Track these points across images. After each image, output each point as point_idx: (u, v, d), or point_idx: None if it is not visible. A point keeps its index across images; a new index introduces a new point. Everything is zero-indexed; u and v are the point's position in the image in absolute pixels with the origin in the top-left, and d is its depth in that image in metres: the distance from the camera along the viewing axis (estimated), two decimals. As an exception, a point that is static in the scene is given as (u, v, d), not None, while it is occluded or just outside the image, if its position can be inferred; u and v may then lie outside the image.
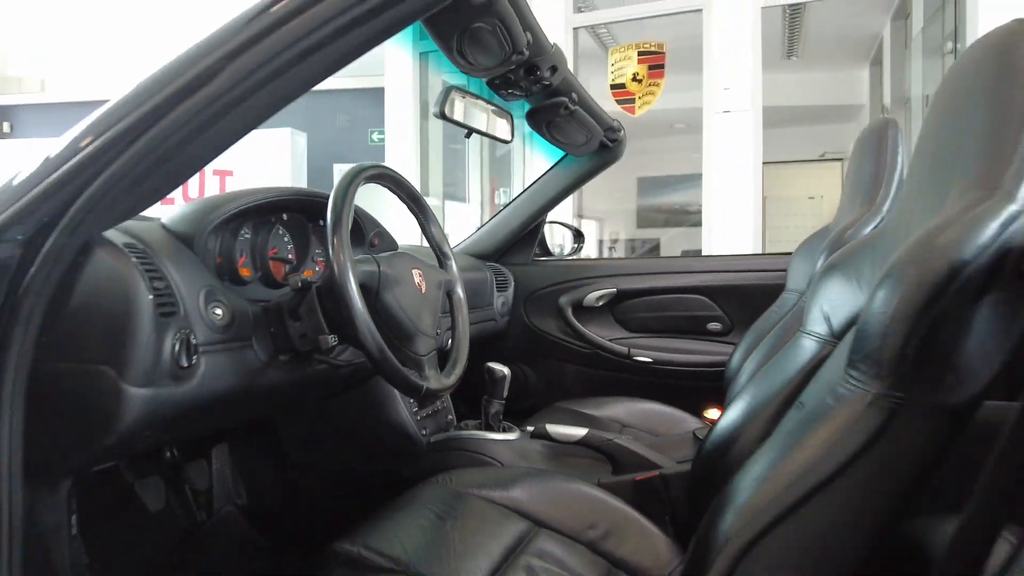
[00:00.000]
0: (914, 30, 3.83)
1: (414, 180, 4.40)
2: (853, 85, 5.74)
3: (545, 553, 0.96)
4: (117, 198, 0.71)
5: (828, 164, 6.79)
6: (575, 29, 3.41)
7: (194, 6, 5.84)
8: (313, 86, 0.72)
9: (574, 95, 1.36)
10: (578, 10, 3.64)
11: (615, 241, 8.28)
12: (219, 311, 0.84)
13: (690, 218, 7.13)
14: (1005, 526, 0.51)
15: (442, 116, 1.17)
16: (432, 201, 5.09)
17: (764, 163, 7.48)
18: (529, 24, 0.99)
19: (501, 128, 1.33)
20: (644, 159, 6.85)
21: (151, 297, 0.74)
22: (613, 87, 3.32)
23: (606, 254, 7.85)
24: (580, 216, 7.41)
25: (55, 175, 0.69)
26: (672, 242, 7.23)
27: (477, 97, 1.25)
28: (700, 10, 3.14)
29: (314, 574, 0.86)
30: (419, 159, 4.59)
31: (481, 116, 1.26)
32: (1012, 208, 0.56)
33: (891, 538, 0.60)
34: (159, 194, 0.75)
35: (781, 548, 0.60)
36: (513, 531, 0.98)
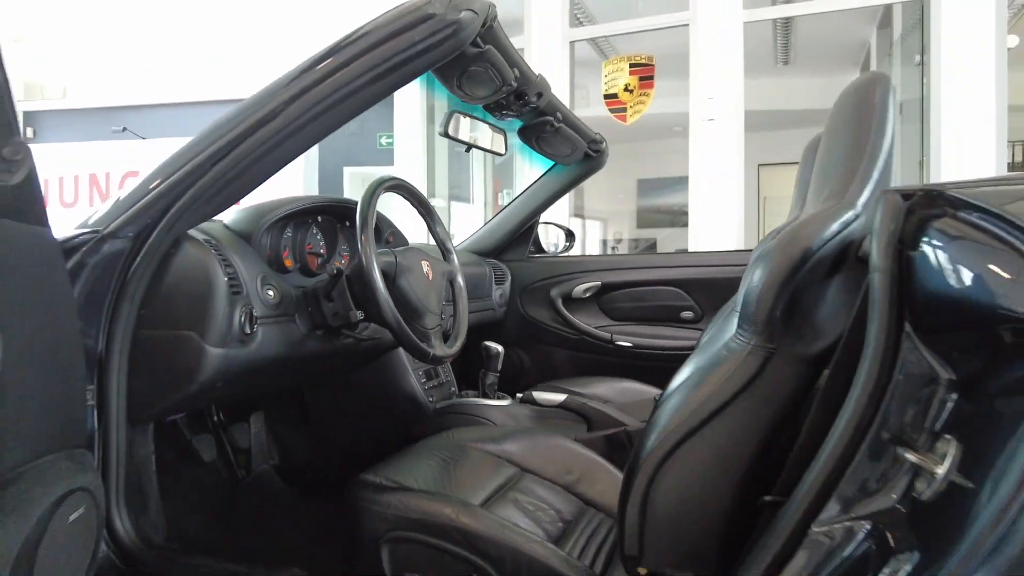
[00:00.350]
0: (894, 39, 4.04)
1: (421, 182, 4.63)
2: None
3: (529, 491, 1.19)
4: (200, 206, 0.94)
5: (820, 166, 6.97)
6: (571, 43, 3.65)
7: (208, 16, 6.08)
8: (347, 122, 0.95)
9: (558, 114, 1.59)
10: (577, 23, 3.87)
11: (619, 241, 8.49)
12: (271, 292, 1.07)
13: (688, 219, 7.33)
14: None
15: (446, 135, 1.40)
16: (439, 202, 5.32)
17: (761, 165, 7.70)
18: (515, 62, 1.21)
19: (497, 143, 1.57)
20: (644, 162, 7.06)
21: (225, 279, 0.97)
22: (606, 97, 3.56)
23: (609, 252, 8.06)
24: (583, 217, 7.65)
25: (156, 191, 0.93)
26: (667, 241, 7.43)
27: (475, 118, 1.48)
28: (687, 24, 3.37)
29: (344, 498, 1.09)
30: (426, 162, 4.81)
31: (479, 134, 1.49)
32: (851, 213, 0.78)
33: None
34: (230, 203, 0.99)
35: (687, 460, 0.82)
36: (504, 474, 1.21)
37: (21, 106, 7.55)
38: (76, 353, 0.80)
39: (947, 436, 0.57)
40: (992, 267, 0.54)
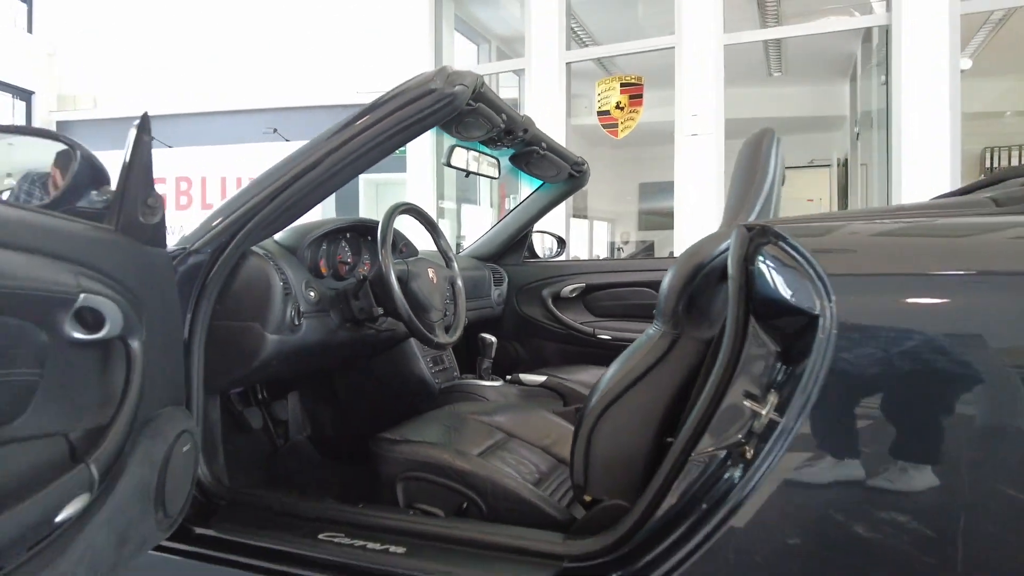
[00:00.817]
0: (874, 52, 4.31)
1: (432, 186, 4.94)
2: (835, 98, 6.20)
3: (514, 450, 1.50)
4: (261, 230, 1.27)
5: (817, 170, 7.24)
6: (568, 63, 3.96)
7: (228, 32, 6.43)
8: (371, 167, 1.27)
9: (543, 144, 1.90)
10: (581, 43, 4.17)
11: (625, 243, 8.77)
12: (312, 293, 1.40)
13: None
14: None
15: (448, 165, 1.72)
16: (448, 204, 5.64)
17: (758, 169, 7.94)
18: (502, 110, 1.52)
19: (491, 170, 1.89)
20: (645, 166, 7.35)
21: (280, 283, 1.30)
22: (599, 113, 3.86)
23: (615, 252, 8.34)
24: (592, 219, 7.95)
25: (230, 219, 1.25)
26: (666, 243, 7.71)
27: (472, 149, 1.80)
28: (672, 47, 3.67)
29: (367, 455, 1.41)
30: (435, 167, 5.12)
31: (475, 162, 1.81)
32: (684, 230, 1.09)
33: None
34: (282, 227, 1.31)
35: (617, 415, 1.13)
36: (494, 437, 1.52)
37: (54, 116, 7.96)
38: (179, 338, 1.12)
39: (772, 389, 0.88)
40: (790, 277, 0.86)
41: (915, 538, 0.73)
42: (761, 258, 0.92)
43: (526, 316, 2.44)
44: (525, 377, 1.78)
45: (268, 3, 7.17)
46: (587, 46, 4.88)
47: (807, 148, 7.17)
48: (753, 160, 1.20)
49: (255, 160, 6.89)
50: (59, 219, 0.82)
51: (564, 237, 2.75)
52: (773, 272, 0.90)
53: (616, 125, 3.85)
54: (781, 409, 0.86)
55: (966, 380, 0.71)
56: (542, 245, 2.72)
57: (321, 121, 6.15)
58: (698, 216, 3.49)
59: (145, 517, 0.93)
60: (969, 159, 6.84)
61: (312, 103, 7.19)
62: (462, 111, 1.34)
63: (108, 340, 0.81)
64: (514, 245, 2.47)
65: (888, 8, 3.27)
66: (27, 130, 1.12)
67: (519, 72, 4.11)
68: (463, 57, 5.02)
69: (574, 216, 6.73)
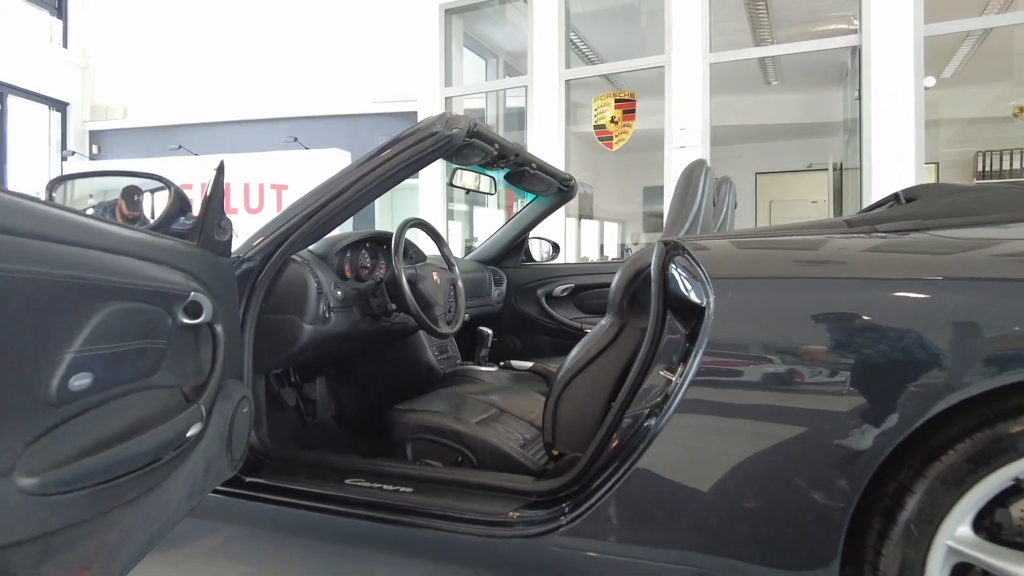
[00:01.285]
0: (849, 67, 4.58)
1: (441, 192, 5.26)
2: (829, 105, 6.45)
3: (504, 422, 1.82)
4: (300, 243, 1.60)
5: (816, 173, 7.48)
6: (566, 81, 4.27)
7: (251, 44, 6.80)
8: (387, 191, 1.60)
9: (533, 164, 2.21)
10: (587, 61, 4.47)
11: (635, 244, 9.06)
12: (339, 292, 1.73)
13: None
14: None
15: (451, 185, 2.05)
16: (460, 206, 5.97)
17: (758, 173, 8.18)
18: (494, 140, 1.84)
19: (488, 187, 2.21)
20: (649, 171, 7.64)
21: (315, 284, 1.63)
22: (596, 127, 4.18)
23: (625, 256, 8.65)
24: (603, 220, 8.25)
25: (275, 234, 1.58)
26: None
27: (472, 170, 2.12)
28: (662, 67, 3.96)
29: (380, 429, 1.74)
30: (444, 174, 5.43)
31: (475, 181, 2.14)
32: (664, 245, 1.41)
33: None
34: (316, 240, 1.64)
35: (578, 386, 1.44)
36: (488, 412, 1.83)
37: (88, 126, 8.40)
38: (238, 327, 1.46)
39: (681, 363, 1.20)
40: (689, 279, 1.17)
41: (764, 458, 1.05)
42: (673, 265, 1.24)
43: (523, 313, 2.76)
44: (516, 363, 2.10)
45: (290, 20, 7.55)
46: (591, 60, 5.19)
47: (805, 152, 7.42)
48: (686, 186, 1.52)
49: (277, 167, 7.26)
50: (167, 239, 1.16)
51: (558, 243, 3.07)
52: (680, 276, 1.22)
53: (611, 138, 4.16)
54: (676, 374, 1.18)
55: (790, 348, 1.03)
56: (540, 249, 3.04)
57: (339, 130, 6.58)
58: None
59: (221, 455, 1.27)
60: (963, 163, 7.06)
61: (330, 113, 7.56)
62: (460, 145, 1.67)
63: (203, 325, 1.15)
64: (512, 250, 2.80)
65: (859, 30, 3.56)
66: (142, 174, 1.44)
67: (524, 87, 4.45)
68: (472, 71, 5.34)
69: (588, 218, 7.04)
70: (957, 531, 0.95)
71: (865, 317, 0.99)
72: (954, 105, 6.65)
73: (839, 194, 6.74)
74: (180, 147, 7.71)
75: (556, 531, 1.20)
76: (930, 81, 3.55)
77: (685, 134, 3.84)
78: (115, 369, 0.94)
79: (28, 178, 7.92)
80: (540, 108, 4.31)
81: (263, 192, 7.33)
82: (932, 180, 6.91)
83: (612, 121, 4.11)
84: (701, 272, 1.13)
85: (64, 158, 8.08)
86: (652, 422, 1.18)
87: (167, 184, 1.35)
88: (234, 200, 7.43)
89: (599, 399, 1.43)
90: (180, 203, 1.34)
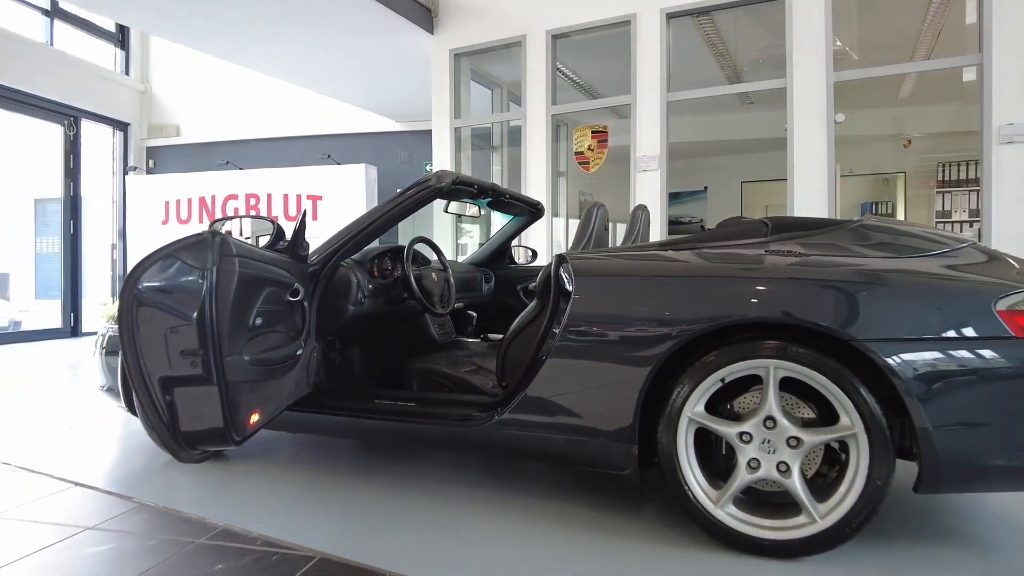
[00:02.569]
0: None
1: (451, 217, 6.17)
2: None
3: (479, 371, 2.72)
4: (346, 254, 2.52)
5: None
6: (552, 116, 5.15)
7: (295, 74, 7.75)
8: (402, 220, 2.50)
9: (507, 195, 3.11)
10: (581, 90, 5.35)
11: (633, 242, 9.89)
12: (370, 286, 2.64)
13: (682, 228, 8.73)
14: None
15: (447, 211, 2.96)
16: (470, 209, 6.85)
17: (744, 181, 8.95)
18: (475, 183, 2.73)
19: (475, 212, 3.12)
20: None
21: (355, 280, 2.55)
22: (576, 153, 5.05)
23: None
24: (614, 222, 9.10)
25: (330, 249, 2.50)
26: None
27: (465, 202, 3.03)
28: (628, 104, 4.82)
29: (396, 382, 2.65)
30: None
31: (464, 208, 3.04)
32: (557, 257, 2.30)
33: None
34: (357, 252, 2.56)
35: (516, 344, 2.32)
36: (470, 365, 2.74)
37: (146, 143, 9.49)
38: (314, 305, 2.39)
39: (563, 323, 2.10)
40: (566, 277, 2.07)
41: (596, 375, 1.93)
42: (561, 269, 2.13)
43: (506, 303, 3.66)
44: (492, 336, 3.00)
45: (325, 51, 8.54)
46: (583, 87, 6.05)
47: (776, 165, 8.20)
48: (587, 218, 2.41)
49: (313, 180, 8.25)
50: (277, 253, 2.09)
51: (537, 250, 3.96)
52: (563, 275, 2.11)
53: (588, 162, 5.03)
54: (559, 334, 2.07)
55: (613, 316, 1.91)
56: (525, 254, 3.94)
57: (366, 147, 7.70)
58: (652, 227, 4.68)
59: (304, 376, 2.20)
60: (926, 173, 7.77)
61: (359, 131, 8.54)
62: (449, 190, 2.58)
63: (298, 302, 2.08)
64: (499, 255, 3.70)
65: (785, 75, 4.38)
66: (263, 218, 2.42)
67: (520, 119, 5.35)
68: (479, 98, 6.24)
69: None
70: (694, 409, 1.82)
71: (646, 296, 1.87)
72: (916, 122, 7.37)
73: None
74: (228, 162, 8.75)
75: (492, 422, 2.10)
76: (840, 117, 4.35)
77: (646, 159, 4.69)
78: (268, 318, 1.90)
79: (99, 188, 9.02)
80: (533, 136, 5.20)
81: (300, 201, 8.33)
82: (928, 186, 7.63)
83: (589, 148, 4.98)
84: (571, 273, 2.02)
85: (127, 172, 9.16)
86: (543, 360, 2.06)
87: (272, 222, 2.27)
88: (275, 208, 8.45)
89: (528, 349, 2.32)
90: (279, 233, 2.26)
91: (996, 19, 3.91)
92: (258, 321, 1.97)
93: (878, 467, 1.65)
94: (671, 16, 4.72)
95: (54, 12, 8.10)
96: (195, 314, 1.88)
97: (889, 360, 1.61)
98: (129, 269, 2.66)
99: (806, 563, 1.70)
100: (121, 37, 9.28)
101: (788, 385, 1.76)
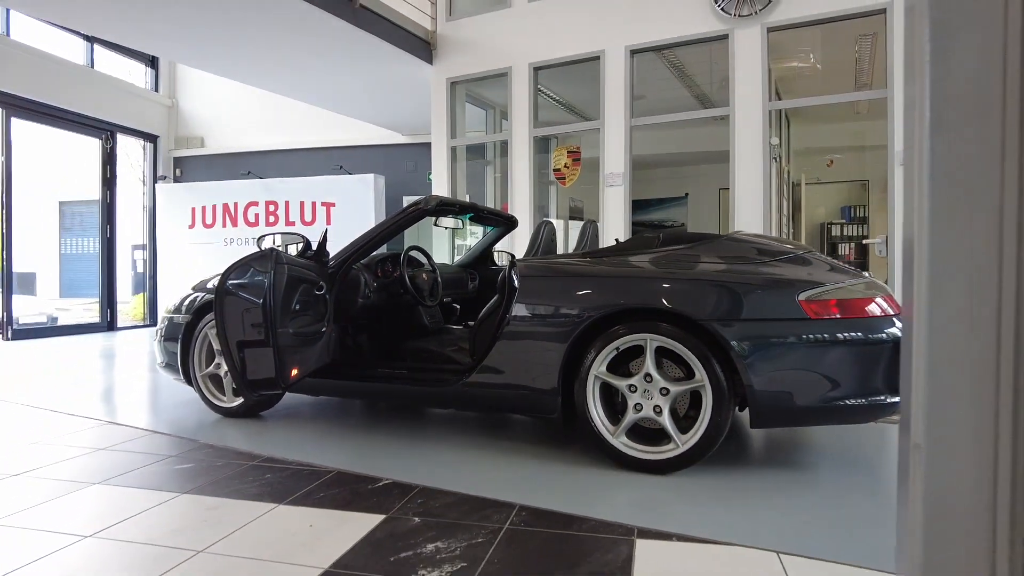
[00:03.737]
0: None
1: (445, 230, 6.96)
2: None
3: (460, 349, 3.49)
4: (356, 259, 3.31)
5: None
6: (534, 138, 5.92)
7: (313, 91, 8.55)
8: (399, 234, 3.28)
9: (485, 211, 3.89)
10: (567, 109, 6.12)
11: (615, 239, 10.67)
12: (375, 283, 3.42)
13: (663, 229, 9.47)
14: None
15: (436, 224, 3.74)
16: (453, 223, 7.62)
17: (721, 188, 9.62)
18: (456, 204, 3.50)
19: (459, 224, 3.89)
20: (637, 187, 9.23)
21: (363, 280, 3.33)
22: (554, 170, 5.82)
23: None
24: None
25: (345, 255, 3.29)
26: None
27: (450, 216, 3.80)
28: (598, 129, 5.57)
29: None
30: (450, 186, 7.09)
31: (452, 222, 3.82)
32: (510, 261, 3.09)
33: None
34: (365, 257, 3.34)
35: (483, 326, 3.08)
36: (453, 345, 3.51)
37: (173, 153, 10.34)
38: (334, 298, 3.18)
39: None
40: (516, 277, 2.85)
41: (531, 348, 2.70)
42: (513, 269, 2.90)
43: (488, 298, 4.42)
44: (472, 323, 3.79)
45: (339, 75, 9.34)
46: (563, 105, 6.80)
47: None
48: (537, 232, 3.17)
49: (326, 188, 9.05)
50: (307, 260, 2.88)
51: (515, 254, 4.73)
52: (512, 275, 2.88)
53: (564, 177, 5.80)
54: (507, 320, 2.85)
55: (544, 304, 2.68)
56: (503, 258, 4.71)
57: (375, 158, 8.63)
58: (613, 232, 5.43)
59: (325, 350, 2.99)
60: (883, 180, 8.44)
61: (368, 143, 9.34)
62: (436, 209, 3.35)
63: (323, 295, 2.87)
64: (482, 259, 4.47)
65: (728, 103, 5.12)
66: (292, 234, 3.30)
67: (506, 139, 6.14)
68: (474, 117, 7.02)
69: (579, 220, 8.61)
70: (599, 370, 2.58)
71: (565, 291, 2.64)
72: (872, 135, 8.06)
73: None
74: (249, 172, 9.57)
75: (461, 383, 2.87)
76: (775, 140, 5.08)
77: (612, 176, 5.45)
78: (303, 305, 2.72)
79: (131, 196, 9.87)
80: (518, 157, 5.99)
81: (315, 208, 9.13)
82: (826, 195, 8.33)
83: (565, 166, 5.74)
84: (514, 270, 2.79)
85: (157, 180, 10.01)
86: (499, 338, 2.83)
87: (304, 237, 3.06)
88: (292, 214, 9.25)
89: (489, 332, 3.09)
90: (306, 244, 3.05)
91: (897, 58, 4.63)
92: (297, 306, 2.82)
93: (719, 410, 2.40)
94: (635, 52, 5.47)
95: (94, 37, 8.95)
96: (260, 300, 2.78)
97: (726, 334, 2.37)
98: (223, 271, 3.62)
99: (673, 476, 2.46)
100: (152, 58, 10.13)
101: (666, 353, 2.52)
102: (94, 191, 9.22)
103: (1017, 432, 0.60)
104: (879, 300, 2.45)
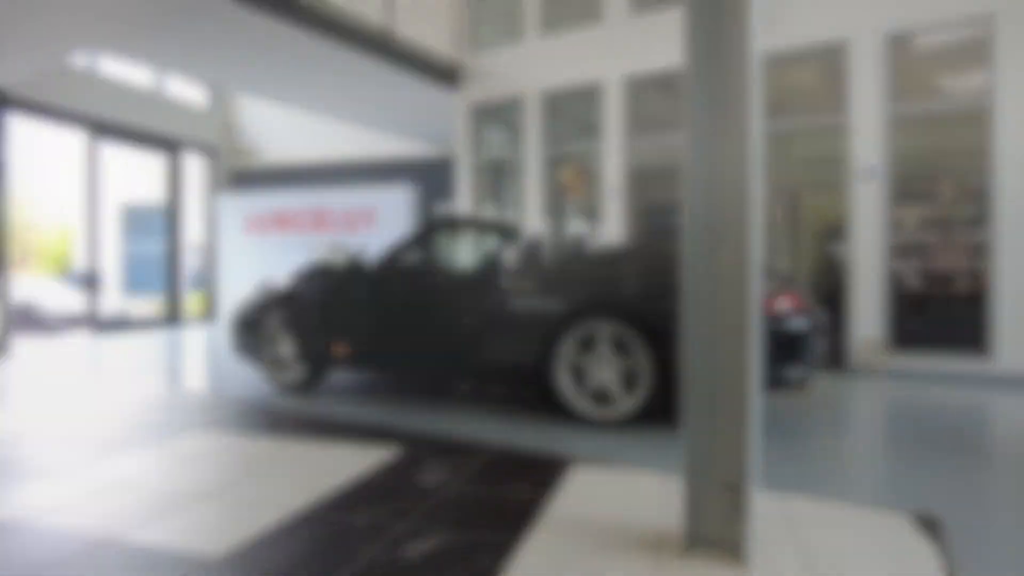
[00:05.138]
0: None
1: (470, 203, 7.79)
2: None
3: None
4: (388, 265, 4.21)
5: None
6: (544, 156, 6.75)
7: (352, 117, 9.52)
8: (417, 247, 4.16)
9: (490, 223, 4.75)
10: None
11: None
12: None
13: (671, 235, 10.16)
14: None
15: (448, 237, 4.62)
16: (489, 210, 8.49)
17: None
18: (465, 219, 4.37)
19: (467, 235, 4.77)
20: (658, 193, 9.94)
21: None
22: (563, 183, 6.65)
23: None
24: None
25: (377, 263, 4.19)
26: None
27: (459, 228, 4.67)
28: (601, 147, 6.38)
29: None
30: (472, 194, 7.92)
31: (463, 233, 4.70)
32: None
33: None
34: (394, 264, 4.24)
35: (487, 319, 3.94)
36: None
37: (228, 165, 11.49)
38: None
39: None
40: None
41: (515, 333, 3.55)
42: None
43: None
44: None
45: (376, 94, 10.30)
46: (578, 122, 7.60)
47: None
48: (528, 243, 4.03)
49: (366, 197, 10.03)
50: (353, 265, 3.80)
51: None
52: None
53: (571, 190, 6.65)
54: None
55: (539, 291, 3.54)
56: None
57: (409, 169, 9.68)
58: (613, 233, 6.25)
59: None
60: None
61: (403, 157, 10.30)
62: (449, 225, 4.23)
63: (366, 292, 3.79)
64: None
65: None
66: (333, 244, 4.22)
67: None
68: (496, 133, 7.88)
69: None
70: (568, 352, 3.42)
71: (543, 292, 3.48)
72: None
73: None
74: (298, 182, 10.63)
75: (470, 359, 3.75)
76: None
77: (611, 191, 6.25)
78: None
79: (196, 204, 11.04)
80: (530, 170, 6.84)
81: (357, 215, 10.12)
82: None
83: (570, 179, 6.58)
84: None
85: (216, 190, 11.15)
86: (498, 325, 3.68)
87: (346, 249, 3.97)
88: (337, 220, 10.26)
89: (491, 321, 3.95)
90: (349, 252, 3.97)
91: (855, 86, 5.28)
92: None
93: (652, 381, 3.22)
94: (632, 81, 6.25)
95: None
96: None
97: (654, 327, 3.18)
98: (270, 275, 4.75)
99: (622, 429, 3.28)
100: (212, 80, 11.27)
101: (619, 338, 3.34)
102: (155, 197, 10.39)
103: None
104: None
